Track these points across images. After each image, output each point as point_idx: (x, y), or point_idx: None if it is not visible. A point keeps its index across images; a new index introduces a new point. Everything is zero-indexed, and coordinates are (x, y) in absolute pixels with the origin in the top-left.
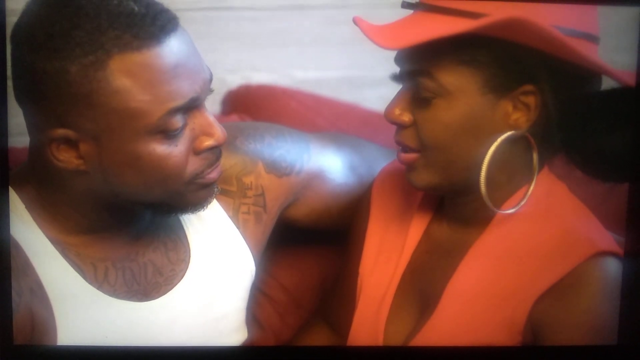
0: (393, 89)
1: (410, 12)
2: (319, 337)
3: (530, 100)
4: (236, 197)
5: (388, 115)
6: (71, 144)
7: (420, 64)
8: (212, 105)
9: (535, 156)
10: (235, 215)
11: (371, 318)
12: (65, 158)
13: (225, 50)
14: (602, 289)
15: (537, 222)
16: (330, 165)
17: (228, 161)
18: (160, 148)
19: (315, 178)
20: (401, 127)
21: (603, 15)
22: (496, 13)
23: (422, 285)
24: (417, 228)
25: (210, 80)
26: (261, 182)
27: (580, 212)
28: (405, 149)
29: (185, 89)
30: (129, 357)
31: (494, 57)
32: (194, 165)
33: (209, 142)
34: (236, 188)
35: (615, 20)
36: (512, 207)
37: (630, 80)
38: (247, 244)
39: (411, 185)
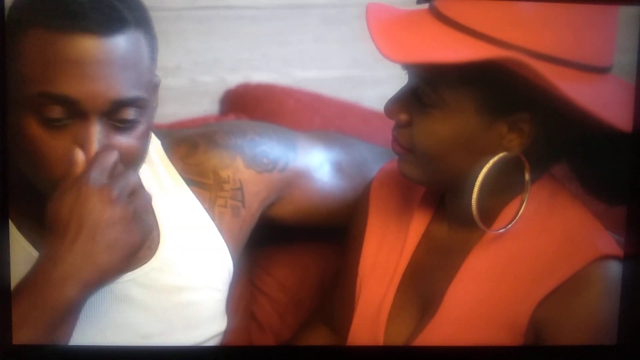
0: (393, 89)
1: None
2: (318, 337)
3: (525, 126)
4: (212, 190)
5: (387, 111)
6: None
7: (425, 71)
8: (211, 105)
9: (527, 176)
10: (211, 207)
11: (371, 318)
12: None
13: (225, 49)
14: (605, 291)
15: (540, 224)
16: (318, 164)
17: (205, 155)
18: (35, 129)
19: (302, 177)
20: (398, 125)
21: None
22: (507, 36)
23: (423, 286)
24: (417, 227)
25: (116, 101)
26: (239, 176)
27: (582, 215)
28: (398, 144)
29: (65, 85)
30: (128, 357)
31: (495, 81)
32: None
33: (78, 156)
34: (212, 181)
35: None
36: (504, 225)
37: (625, 124)
38: (223, 236)
39: (399, 172)
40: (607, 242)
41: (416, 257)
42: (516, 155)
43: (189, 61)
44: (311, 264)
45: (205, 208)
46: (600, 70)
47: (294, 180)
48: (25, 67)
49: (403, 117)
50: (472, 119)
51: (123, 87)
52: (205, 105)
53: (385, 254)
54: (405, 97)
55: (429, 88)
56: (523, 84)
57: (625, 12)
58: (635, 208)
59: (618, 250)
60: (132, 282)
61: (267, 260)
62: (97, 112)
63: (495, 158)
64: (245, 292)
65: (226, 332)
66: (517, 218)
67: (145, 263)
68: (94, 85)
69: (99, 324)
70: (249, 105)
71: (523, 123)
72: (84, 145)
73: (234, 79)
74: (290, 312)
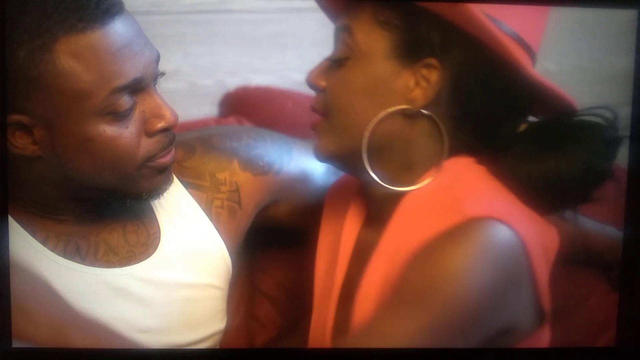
0: None
1: None
2: None
3: (432, 75)
4: (209, 192)
5: (307, 78)
6: (26, 129)
7: (344, 19)
8: (211, 108)
9: (445, 139)
10: (208, 208)
11: (321, 340)
12: (21, 144)
13: (224, 52)
14: (470, 254)
15: (437, 207)
16: (314, 168)
17: (202, 159)
18: (110, 129)
19: (298, 181)
20: (317, 92)
21: (601, 17)
22: None
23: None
24: (348, 241)
25: (157, 61)
26: (235, 178)
27: (487, 190)
28: (316, 113)
29: (128, 70)
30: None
31: (408, 23)
32: (146, 147)
33: (160, 124)
34: (209, 183)
35: (612, 23)
36: (409, 186)
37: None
38: (220, 235)
39: (316, 157)
40: (487, 206)
41: (350, 262)
42: (417, 112)
43: (188, 64)
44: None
45: (202, 209)
46: (527, 49)
47: (290, 183)
48: (79, 80)
49: (322, 82)
50: (381, 65)
51: (153, 48)
52: (205, 108)
53: (325, 271)
54: (325, 64)
55: (347, 34)
56: (437, 26)
57: (622, 15)
58: (634, 208)
59: (508, 218)
60: (128, 276)
61: (268, 261)
62: (152, 79)
63: (395, 109)
64: (246, 293)
65: (227, 333)
66: (420, 184)
67: (144, 260)
68: (143, 56)
69: (92, 315)
70: (249, 108)
71: (430, 71)
72: (160, 114)
73: (234, 82)
74: (291, 312)
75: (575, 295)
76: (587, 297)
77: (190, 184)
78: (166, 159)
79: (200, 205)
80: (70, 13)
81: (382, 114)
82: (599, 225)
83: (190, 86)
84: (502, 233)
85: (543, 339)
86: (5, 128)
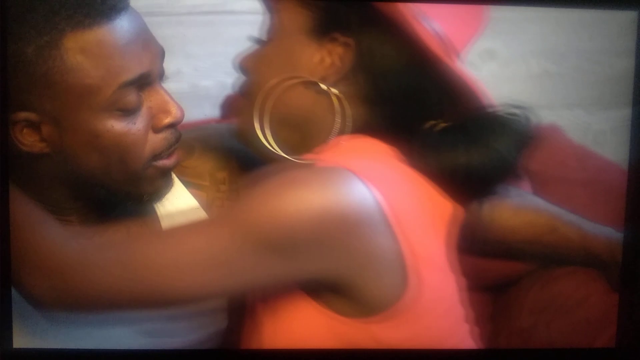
0: None
1: None
2: None
3: (347, 54)
4: (209, 191)
5: (235, 62)
6: (34, 126)
7: (274, 3)
8: (212, 109)
9: (347, 116)
10: (208, 208)
11: None
12: (29, 142)
13: (226, 53)
14: (301, 187)
15: None
16: None
17: (202, 157)
18: (118, 125)
19: None
20: (246, 75)
21: (601, 18)
22: None
23: None
24: None
25: (162, 56)
26: (235, 178)
27: (367, 159)
28: (240, 96)
29: (135, 65)
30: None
31: (329, 3)
32: (153, 144)
33: (167, 120)
34: (209, 183)
35: (613, 24)
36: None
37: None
38: None
39: (236, 138)
40: (343, 162)
41: None
42: (326, 87)
43: (189, 66)
44: None
45: (203, 208)
46: (453, 51)
47: None
48: (87, 76)
49: (247, 63)
50: (300, 42)
51: (157, 44)
52: (206, 110)
53: None
54: (255, 50)
55: (275, 15)
56: (359, 7)
57: (622, 16)
58: (634, 208)
59: (361, 172)
60: None
61: None
62: (159, 75)
63: (294, 81)
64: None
65: (228, 333)
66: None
67: None
68: (149, 51)
69: (97, 318)
70: None
71: (344, 49)
72: (167, 109)
73: (235, 83)
74: None
75: (575, 295)
76: (587, 297)
77: (190, 184)
78: (169, 161)
79: (200, 204)
80: (77, 9)
81: (286, 82)
82: (598, 226)
83: (191, 87)
84: (349, 182)
85: (417, 312)
86: (7, 126)
